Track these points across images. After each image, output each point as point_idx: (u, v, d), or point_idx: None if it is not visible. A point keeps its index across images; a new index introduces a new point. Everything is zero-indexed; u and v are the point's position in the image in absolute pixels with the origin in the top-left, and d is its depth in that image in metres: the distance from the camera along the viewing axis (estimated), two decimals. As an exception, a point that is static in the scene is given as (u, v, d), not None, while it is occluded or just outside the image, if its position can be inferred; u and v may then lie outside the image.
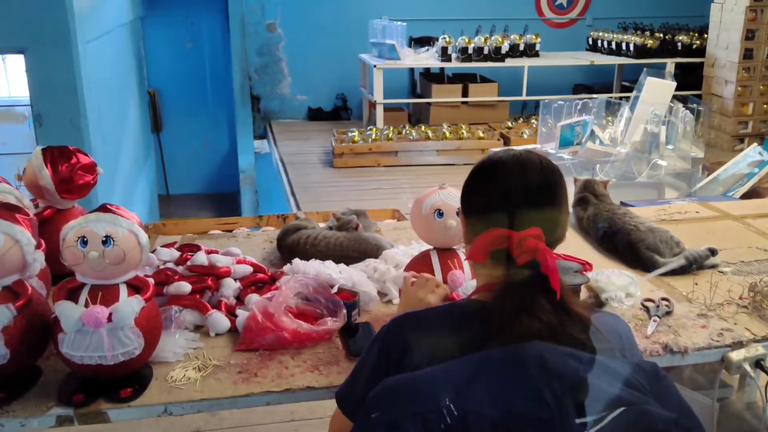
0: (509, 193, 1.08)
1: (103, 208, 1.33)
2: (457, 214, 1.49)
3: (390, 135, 6.31)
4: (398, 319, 1.10)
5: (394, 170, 6.07)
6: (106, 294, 1.30)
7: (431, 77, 7.59)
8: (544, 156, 1.14)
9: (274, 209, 5.94)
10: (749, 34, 6.44)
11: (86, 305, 1.28)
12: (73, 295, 1.31)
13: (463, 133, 6.36)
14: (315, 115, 8.29)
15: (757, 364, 1.52)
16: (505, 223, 1.07)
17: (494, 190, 1.10)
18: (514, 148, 1.16)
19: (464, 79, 7.37)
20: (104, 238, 1.27)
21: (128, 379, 1.35)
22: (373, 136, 6.28)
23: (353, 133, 6.31)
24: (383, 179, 5.85)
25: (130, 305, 1.29)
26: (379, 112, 6.83)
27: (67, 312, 1.26)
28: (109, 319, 1.27)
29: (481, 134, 6.40)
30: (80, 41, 3.71)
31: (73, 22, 3.58)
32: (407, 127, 6.57)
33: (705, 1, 6.92)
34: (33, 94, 3.65)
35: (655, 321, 1.62)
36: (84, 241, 1.27)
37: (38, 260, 1.36)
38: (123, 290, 1.32)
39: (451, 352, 0.99)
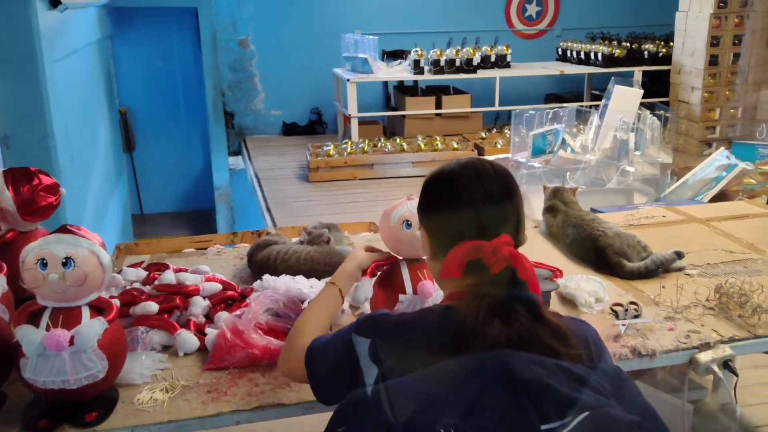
0: (472, 204, 1.09)
1: (63, 229, 1.31)
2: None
3: (365, 148, 6.33)
4: (369, 321, 1.11)
5: (370, 183, 6.07)
6: (67, 316, 1.28)
7: (405, 90, 7.64)
8: (495, 162, 1.16)
9: (250, 225, 5.90)
10: (714, 41, 6.58)
11: (48, 329, 1.26)
12: (34, 319, 1.28)
13: (437, 145, 6.40)
14: (290, 129, 8.28)
15: (725, 365, 1.54)
16: (472, 233, 1.07)
17: (456, 203, 1.10)
18: (461, 158, 1.17)
19: (437, 91, 7.42)
20: (64, 260, 1.25)
21: (93, 403, 1.33)
22: (349, 150, 6.28)
23: (328, 147, 6.31)
24: (359, 192, 5.85)
25: (92, 327, 1.27)
26: (354, 125, 6.85)
27: (28, 336, 1.24)
28: (71, 342, 1.25)
29: (456, 145, 6.44)
30: (47, 61, 3.66)
31: (39, 42, 3.53)
32: (382, 140, 6.60)
33: (670, 10, 7.06)
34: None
35: (623, 325, 1.63)
36: (44, 263, 1.25)
37: (-1, 284, 1.34)
38: (85, 312, 1.30)
39: (421, 360, 0.98)
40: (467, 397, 0.92)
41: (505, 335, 0.99)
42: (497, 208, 1.09)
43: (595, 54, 7.45)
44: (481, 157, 1.21)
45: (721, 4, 6.49)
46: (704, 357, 1.53)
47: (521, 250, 1.13)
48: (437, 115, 7.22)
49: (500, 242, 1.04)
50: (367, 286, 1.73)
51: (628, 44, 7.53)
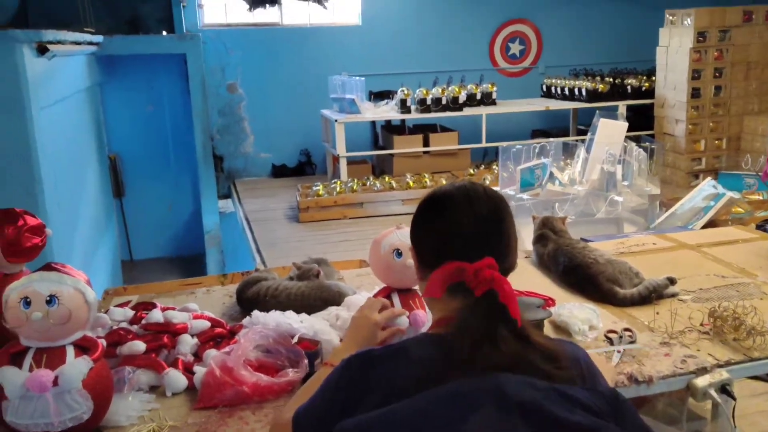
0: (459, 225, 1.08)
1: (48, 267, 1.29)
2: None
3: (354, 187, 6.35)
4: (355, 357, 1.07)
5: (360, 222, 6.07)
6: (51, 356, 1.25)
7: (393, 129, 7.71)
8: (488, 186, 1.16)
9: (241, 268, 5.86)
10: (695, 74, 6.72)
11: (31, 369, 1.23)
12: (17, 360, 1.25)
13: (426, 182, 6.43)
14: (279, 171, 8.30)
15: (723, 389, 1.52)
16: (458, 255, 1.06)
17: (444, 223, 1.10)
18: (457, 180, 1.17)
19: (425, 130, 7.50)
20: (48, 298, 1.23)
21: (78, 446, 1.29)
22: (338, 189, 6.30)
23: (318, 187, 6.33)
24: (350, 231, 5.84)
25: (76, 367, 1.24)
26: (343, 165, 6.88)
27: (10, 377, 1.21)
28: (55, 382, 1.22)
29: (444, 182, 6.47)
30: (34, 107, 3.69)
31: (27, 89, 3.56)
32: (371, 179, 6.62)
33: (651, 46, 7.22)
34: (-14, 162, 3.60)
35: (618, 352, 1.61)
36: (27, 302, 1.22)
37: (-20, 326, 1.31)
38: (70, 351, 1.27)
39: (410, 388, 0.96)
40: (461, 423, 0.90)
41: (494, 360, 0.97)
42: (484, 231, 1.08)
43: (579, 90, 7.57)
44: (477, 181, 1.21)
45: (700, 39, 6.65)
46: (701, 382, 1.50)
47: (513, 277, 1.12)
48: (425, 152, 7.28)
49: (483, 265, 1.03)
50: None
51: (611, 79, 7.67)
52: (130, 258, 8.00)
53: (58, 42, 4.27)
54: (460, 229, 1.08)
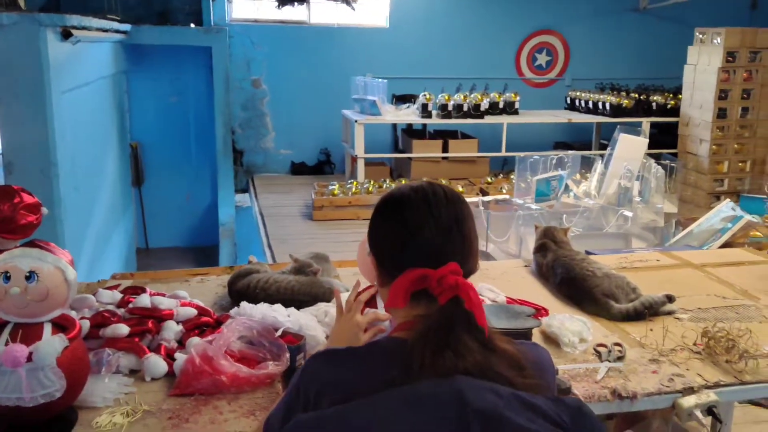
0: (419, 229, 1.04)
1: (31, 244, 1.30)
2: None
3: (370, 188, 6.34)
4: (316, 357, 1.05)
5: (373, 223, 6.06)
6: (28, 332, 1.25)
7: (413, 133, 7.69)
8: (448, 186, 1.11)
9: (252, 262, 5.89)
10: (722, 94, 6.61)
11: (7, 344, 1.24)
12: (-6, 334, 1.26)
13: (442, 188, 6.40)
14: (298, 169, 8.34)
15: (709, 411, 1.48)
16: (419, 261, 1.02)
17: (402, 227, 1.05)
18: (414, 182, 1.13)
19: (446, 136, 7.47)
20: (28, 274, 1.23)
21: (50, 424, 1.29)
22: (354, 190, 6.30)
23: (333, 186, 6.34)
24: (362, 231, 5.74)
25: (51, 344, 1.24)
26: (360, 166, 6.88)
27: (-15, 350, 1.22)
28: (29, 358, 1.22)
29: (461, 189, 6.44)
30: (55, 92, 3.74)
31: (48, 73, 3.61)
32: (388, 181, 6.62)
33: (678, 64, 7.12)
34: (5, 143, 3.66)
35: (606, 366, 1.58)
36: (7, 277, 1.23)
37: (-37, 298, 1.32)
38: (47, 329, 1.27)
39: (368, 390, 0.94)
40: (416, 426, 0.88)
41: (456, 367, 0.94)
42: (445, 235, 1.04)
43: (603, 104, 7.49)
44: (435, 182, 1.17)
45: (729, 59, 6.54)
46: (687, 402, 1.47)
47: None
48: (444, 158, 7.25)
49: (446, 271, 0.99)
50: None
51: (637, 95, 7.58)
52: (146, 246, 8.09)
53: (84, 28, 4.33)
54: (419, 234, 1.03)
